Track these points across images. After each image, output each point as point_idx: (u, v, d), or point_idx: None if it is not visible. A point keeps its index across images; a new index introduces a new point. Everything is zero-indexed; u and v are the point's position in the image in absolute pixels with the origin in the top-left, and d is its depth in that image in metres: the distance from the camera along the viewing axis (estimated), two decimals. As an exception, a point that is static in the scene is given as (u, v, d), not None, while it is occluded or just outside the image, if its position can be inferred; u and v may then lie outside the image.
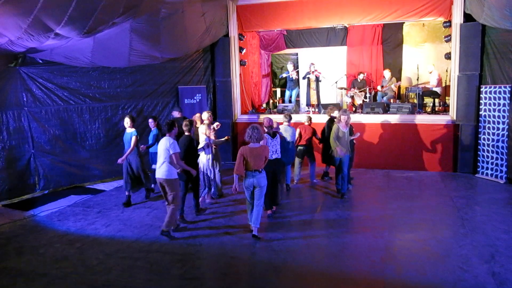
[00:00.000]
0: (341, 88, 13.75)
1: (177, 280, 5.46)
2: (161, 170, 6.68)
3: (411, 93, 13.00)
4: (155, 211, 8.23)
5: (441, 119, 10.81)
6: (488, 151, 9.87)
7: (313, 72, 13.11)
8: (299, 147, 9.52)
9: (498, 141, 9.61)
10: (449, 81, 11.28)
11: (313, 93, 13.34)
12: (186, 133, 7.56)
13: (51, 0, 6.81)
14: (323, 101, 13.12)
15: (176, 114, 9.75)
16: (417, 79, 12.41)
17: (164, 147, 6.63)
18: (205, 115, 8.83)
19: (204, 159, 8.33)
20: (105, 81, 10.55)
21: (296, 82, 14.20)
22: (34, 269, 5.87)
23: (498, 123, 9.58)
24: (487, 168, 9.93)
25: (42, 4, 6.77)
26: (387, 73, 13.23)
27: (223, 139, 8.68)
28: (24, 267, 5.95)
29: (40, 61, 9.31)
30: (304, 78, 13.64)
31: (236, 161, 6.48)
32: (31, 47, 8.06)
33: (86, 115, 10.18)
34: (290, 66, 13.92)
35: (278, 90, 16.19)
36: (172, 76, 11.88)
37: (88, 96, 10.24)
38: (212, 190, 8.74)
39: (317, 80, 13.18)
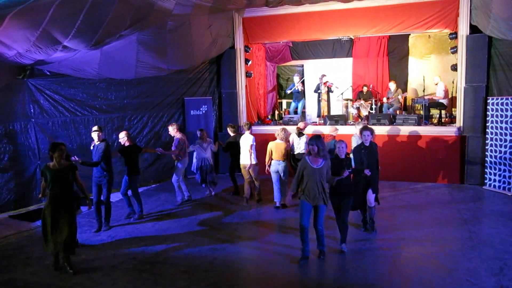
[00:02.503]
0: (347, 100, 13.75)
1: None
2: (247, 157, 9.11)
3: (417, 105, 12.97)
4: (160, 222, 8.22)
5: (447, 131, 10.76)
6: (495, 163, 9.80)
7: (324, 83, 13.13)
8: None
9: (505, 152, 9.54)
10: (456, 92, 11.25)
11: (324, 105, 13.36)
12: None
13: (59, 13, 6.91)
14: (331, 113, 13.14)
15: (96, 136, 7.94)
16: (423, 91, 12.39)
17: (246, 141, 9.15)
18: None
19: None
20: (111, 92, 10.63)
21: (302, 94, 14.21)
22: (40, 280, 5.86)
23: (506, 134, 9.52)
24: (494, 180, 9.86)
25: (50, 17, 6.87)
26: (392, 85, 13.24)
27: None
28: (30, 278, 5.95)
29: (48, 73, 9.39)
30: (315, 91, 13.63)
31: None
32: (39, 59, 8.15)
33: (92, 126, 10.19)
34: (296, 78, 13.96)
35: (284, 102, 16.22)
36: (178, 88, 11.96)
37: (95, 107, 10.30)
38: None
39: (329, 91, 13.19)
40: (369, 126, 7.73)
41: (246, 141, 9.16)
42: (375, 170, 7.10)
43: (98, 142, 7.82)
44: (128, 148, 8.44)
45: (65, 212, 5.96)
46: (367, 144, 7.08)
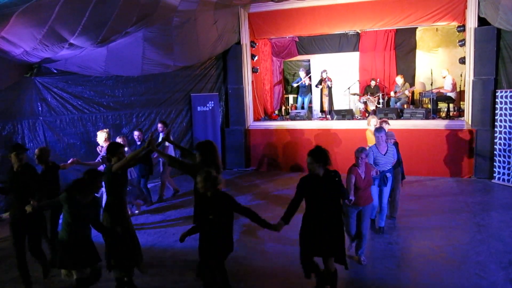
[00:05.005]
0: (354, 94, 13.69)
1: (191, 287, 5.46)
2: None
3: (425, 98, 12.88)
4: (169, 217, 8.25)
5: (455, 124, 10.69)
6: (504, 156, 9.71)
7: (324, 79, 13.10)
8: None
9: (514, 145, 9.47)
10: (464, 86, 11.15)
11: (325, 100, 13.33)
12: None
13: (65, 10, 6.93)
14: (335, 108, 13.09)
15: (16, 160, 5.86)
16: (431, 84, 12.30)
17: None
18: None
19: None
20: (119, 89, 10.66)
21: (309, 89, 14.18)
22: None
23: (515, 127, 9.43)
24: (503, 174, 9.77)
25: (56, 15, 6.89)
26: (399, 80, 13.15)
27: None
28: (39, 275, 5.98)
29: (55, 71, 9.43)
30: (317, 86, 13.62)
31: None
32: (46, 57, 8.19)
33: (100, 123, 10.26)
34: (302, 73, 13.93)
35: (291, 97, 16.18)
36: (185, 84, 11.97)
37: (102, 105, 10.34)
38: None
39: (329, 86, 13.16)
40: (323, 147, 4.55)
41: None
42: (331, 221, 4.46)
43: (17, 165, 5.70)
44: (48, 171, 6.33)
45: (128, 218, 5.46)
46: (321, 174, 4.43)
